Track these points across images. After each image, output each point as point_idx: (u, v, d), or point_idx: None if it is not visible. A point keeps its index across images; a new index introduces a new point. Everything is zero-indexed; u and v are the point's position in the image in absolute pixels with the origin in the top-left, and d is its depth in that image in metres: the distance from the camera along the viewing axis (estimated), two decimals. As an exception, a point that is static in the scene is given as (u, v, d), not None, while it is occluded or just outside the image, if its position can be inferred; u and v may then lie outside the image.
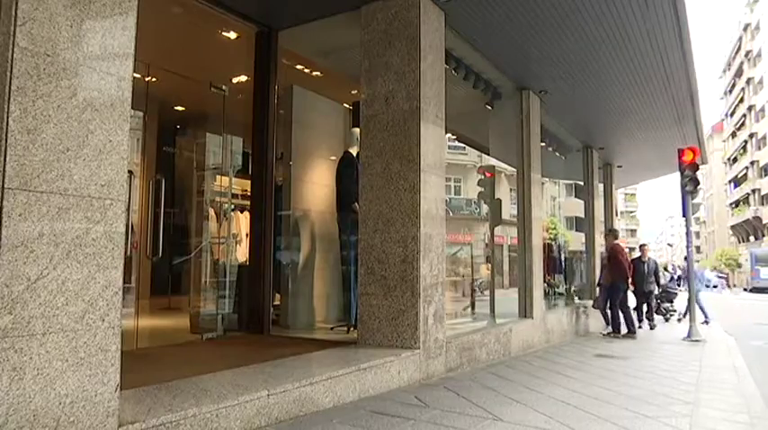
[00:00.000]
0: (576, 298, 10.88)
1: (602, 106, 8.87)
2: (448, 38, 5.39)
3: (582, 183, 12.32)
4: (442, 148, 5.10)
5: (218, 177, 6.41)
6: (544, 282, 8.09)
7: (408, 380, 4.40)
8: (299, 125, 6.36)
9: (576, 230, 20.39)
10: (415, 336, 4.56)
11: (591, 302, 10.17)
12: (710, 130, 59.70)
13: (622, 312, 9.16)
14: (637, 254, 11.58)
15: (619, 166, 13.17)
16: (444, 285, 4.99)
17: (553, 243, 12.42)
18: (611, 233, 10.18)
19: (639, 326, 9.92)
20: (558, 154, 10.37)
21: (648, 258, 11.11)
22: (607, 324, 9.35)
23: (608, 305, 9.41)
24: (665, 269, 16.15)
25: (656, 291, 11.40)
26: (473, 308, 7.89)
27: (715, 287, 25.68)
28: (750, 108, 54.15)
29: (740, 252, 49.75)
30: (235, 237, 6.67)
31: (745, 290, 33.22)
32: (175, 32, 5.80)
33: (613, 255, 9.39)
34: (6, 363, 2.08)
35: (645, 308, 11.01)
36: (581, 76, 7.39)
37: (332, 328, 5.98)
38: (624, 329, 9.11)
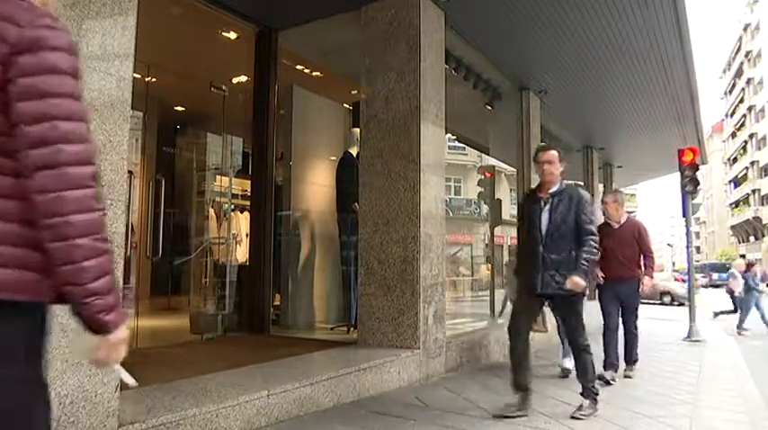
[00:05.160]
0: None
1: (602, 106, 8.87)
2: (448, 38, 5.39)
3: (582, 184, 12.31)
4: (441, 148, 5.10)
5: (218, 177, 6.40)
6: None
7: (408, 380, 4.39)
8: (299, 125, 6.36)
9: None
10: (415, 336, 4.56)
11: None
12: (710, 130, 59.66)
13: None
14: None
15: (619, 166, 13.17)
16: (444, 285, 4.99)
17: None
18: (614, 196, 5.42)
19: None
20: (558, 154, 10.36)
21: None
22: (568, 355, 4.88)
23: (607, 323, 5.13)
24: None
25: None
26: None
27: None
28: (750, 108, 54.15)
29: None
30: (235, 237, 6.66)
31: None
32: (175, 32, 5.80)
33: (641, 234, 5.17)
34: (6, 363, 2.07)
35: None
36: (581, 76, 7.39)
37: (332, 328, 5.97)
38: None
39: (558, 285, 3.59)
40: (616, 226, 5.18)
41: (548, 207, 3.70)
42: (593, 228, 3.73)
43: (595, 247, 3.69)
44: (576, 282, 3.53)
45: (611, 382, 4.70)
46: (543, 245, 3.65)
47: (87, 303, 1.09)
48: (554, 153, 3.81)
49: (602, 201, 5.48)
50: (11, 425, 1.08)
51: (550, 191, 3.74)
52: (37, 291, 1.09)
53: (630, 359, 5.20)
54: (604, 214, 5.32)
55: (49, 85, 1.06)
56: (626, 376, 5.01)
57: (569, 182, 4.21)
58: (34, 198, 1.05)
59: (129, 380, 1.26)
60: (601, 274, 5.04)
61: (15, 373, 1.09)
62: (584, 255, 3.61)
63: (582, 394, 3.68)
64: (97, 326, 1.12)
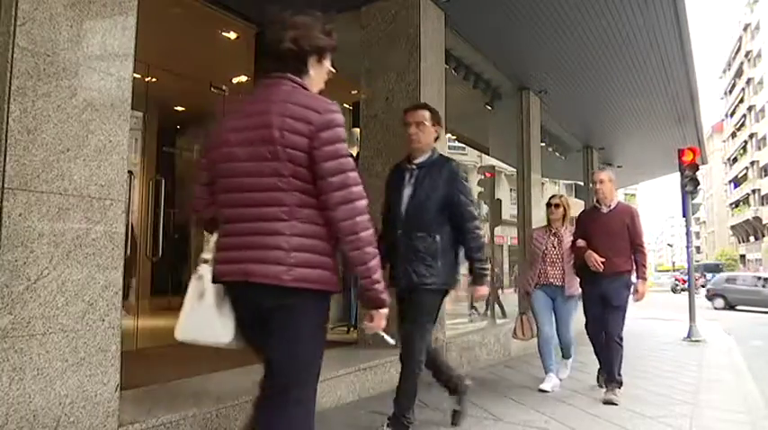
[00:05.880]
0: None
1: (602, 106, 8.87)
2: (448, 38, 5.39)
3: (582, 184, 12.32)
4: (441, 148, 5.09)
5: (218, 177, 6.36)
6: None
7: (408, 380, 4.38)
8: (299, 125, 6.34)
9: (576, 230, 20.33)
10: (415, 336, 4.54)
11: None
12: (710, 130, 59.63)
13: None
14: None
15: (619, 166, 13.15)
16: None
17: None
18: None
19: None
20: (558, 154, 10.37)
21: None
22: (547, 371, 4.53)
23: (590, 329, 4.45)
24: None
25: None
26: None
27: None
28: (750, 108, 54.15)
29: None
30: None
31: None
32: (175, 32, 5.80)
33: (634, 220, 4.26)
34: (6, 363, 2.07)
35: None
36: (581, 76, 7.39)
37: (332, 328, 5.97)
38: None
39: (421, 279, 2.81)
40: (605, 210, 4.27)
41: (412, 181, 2.97)
42: (475, 211, 3.00)
43: (481, 236, 2.98)
44: (482, 294, 2.96)
45: (615, 403, 3.88)
46: (402, 228, 2.90)
47: (373, 288, 1.67)
48: (425, 113, 3.03)
49: (595, 179, 4.40)
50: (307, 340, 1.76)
51: (417, 161, 3.01)
52: (335, 285, 1.68)
53: (612, 377, 4.10)
54: (596, 195, 4.36)
55: (339, 149, 1.63)
56: (606, 402, 3.92)
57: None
58: (338, 224, 1.60)
59: (390, 340, 1.87)
60: (600, 259, 4.07)
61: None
62: (477, 254, 2.88)
63: (389, 421, 2.87)
64: (377, 303, 1.70)
